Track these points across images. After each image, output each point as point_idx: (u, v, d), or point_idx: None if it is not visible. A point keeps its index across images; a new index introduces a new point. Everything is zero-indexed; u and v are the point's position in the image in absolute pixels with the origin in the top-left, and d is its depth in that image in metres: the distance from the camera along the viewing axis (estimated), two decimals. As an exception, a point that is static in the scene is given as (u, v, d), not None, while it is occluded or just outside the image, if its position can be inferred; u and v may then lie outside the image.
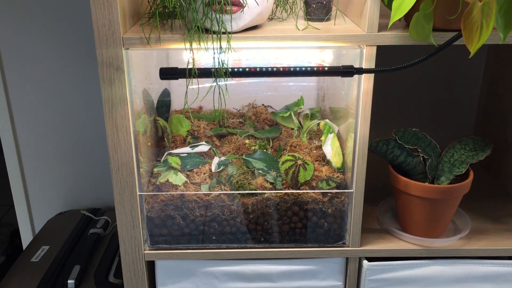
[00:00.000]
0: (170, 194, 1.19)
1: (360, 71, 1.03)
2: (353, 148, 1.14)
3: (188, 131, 1.49)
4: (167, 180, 1.20)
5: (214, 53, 1.00)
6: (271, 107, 1.64)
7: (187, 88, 1.01)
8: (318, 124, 1.41)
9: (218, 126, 1.54)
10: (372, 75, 1.07)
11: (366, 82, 1.08)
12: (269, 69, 1.02)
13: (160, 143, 1.35)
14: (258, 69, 1.02)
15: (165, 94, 1.38)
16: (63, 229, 1.59)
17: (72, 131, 1.76)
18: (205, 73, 1.00)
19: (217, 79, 1.00)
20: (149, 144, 1.28)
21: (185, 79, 1.00)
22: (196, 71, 0.99)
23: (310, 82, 1.52)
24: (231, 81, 1.53)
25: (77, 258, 1.44)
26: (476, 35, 0.91)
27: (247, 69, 1.01)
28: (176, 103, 1.65)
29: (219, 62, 0.99)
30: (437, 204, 1.21)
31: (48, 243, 1.51)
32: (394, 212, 1.36)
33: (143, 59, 1.22)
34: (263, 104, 1.65)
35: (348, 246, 1.19)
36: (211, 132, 1.48)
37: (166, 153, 1.32)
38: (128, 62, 1.06)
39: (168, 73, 1.02)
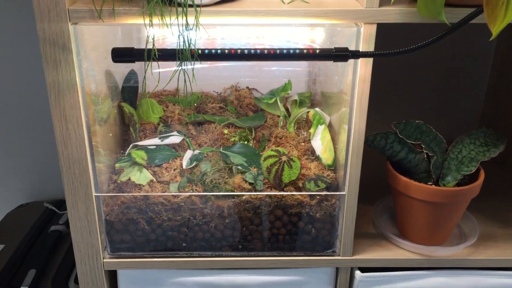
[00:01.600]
0: (132, 195, 1.01)
1: (356, 54, 0.85)
2: (347, 144, 0.97)
3: (160, 118, 1.31)
4: (129, 179, 1.03)
5: (179, 30, 0.81)
6: (256, 90, 1.46)
7: (145, 72, 0.83)
8: (307, 114, 1.24)
9: (196, 112, 1.36)
10: (370, 60, 0.89)
11: (363, 68, 0.90)
12: (247, 51, 0.84)
13: (127, 132, 1.17)
14: (233, 51, 0.84)
15: (131, 76, 1.20)
16: (21, 225, 1.42)
17: (35, 115, 1.57)
18: (168, 55, 0.82)
19: (183, 63, 0.82)
20: (111, 135, 1.11)
21: (146, 63, 0.82)
22: (156, 53, 0.81)
23: (300, 63, 1.33)
24: (210, 63, 1.35)
25: (34, 261, 1.28)
26: (501, 12, 0.73)
27: (219, 51, 0.83)
28: (150, 86, 1.47)
29: (185, 42, 0.81)
30: (442, 208, 1.05)
31: (3, 242, 1.34)
32: (391, 213, 1.20)
33: (102, 36, 1.03)
34: (247, 87, 1.47)
35: (339, 255, 1.04)
36: (186, 119, 1.30)
37: (131, 145, 1.15)
38: (77, 40, 0.88)
39: (123, 55, 0.84)
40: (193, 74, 0.84)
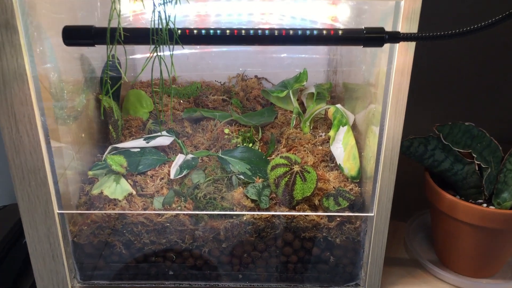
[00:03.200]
0: (104, 213, 0.81)
1: (396, 37, 0.63)
2: (377, 152, 0.75)
3: (150, 112, 1.10)
4: (101, 192, 0.82)
5: (154, 3, 0.60)
6: (266, 79, 1.24)
7: (108, 58, 0.62)
8: (326, 110, 1.01)
9: (194, 105, 1.15)
10: (412, 45, 0.67)
11: (402, 55, 0.68)
12: (246, 32, 0.62)
13: (108, 131, 0.97)
14: (228, 32, 0.62)
15: (111, 63, 0.98)
16: (-6, 234, 1.22)
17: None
18: (138, 36, 0.60)
19: (159, 47, 0.60)
20: (83, 135, 0.90)
21: (111, 47, 0.60)
22: (122, 33, 0.59)
23: (318, 49, 1.11)
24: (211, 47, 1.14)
25: (3, 277, 1.08)
26: None
27: (209, 32, 0.61)
28: (141, 74, 1.25)
29: (161, 19, 0.59)
30: (497, 235, 0.82)
31: (-30, 255, 1.15)
32: (428, 234, 0.98)
33: (68, 10, 0.82)
34: (255, 76, 1.25)
35: (364, 289, 0.81)
36: (182, 114, 1.09)
37: (109, 148, 0.94)
38: (26, 16, 0.67)
39: (77, 36, 0.62)
40: (171, 63, 0.62)
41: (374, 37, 0.63)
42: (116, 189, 0.84)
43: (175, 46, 0.64)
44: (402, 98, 0.71)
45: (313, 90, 1.07)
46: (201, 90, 1.20)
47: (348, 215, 0.82)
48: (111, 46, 0.60)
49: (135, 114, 1.08)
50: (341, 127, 0.90)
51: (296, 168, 0.83)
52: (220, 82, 1.25)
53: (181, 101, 1.16)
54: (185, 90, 1.21)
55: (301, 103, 1.10)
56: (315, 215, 0.82)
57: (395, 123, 0.73)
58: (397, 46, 0.68)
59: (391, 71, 0.70)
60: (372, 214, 0.80)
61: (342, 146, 0.88)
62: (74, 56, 0.86)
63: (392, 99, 0.72)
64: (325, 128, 1.03)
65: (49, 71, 0.76)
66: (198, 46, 1.11)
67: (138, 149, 0.94)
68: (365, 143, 0.86)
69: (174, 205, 0.84)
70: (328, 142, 0.98)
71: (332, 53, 1.18)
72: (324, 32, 0.63)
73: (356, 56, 0.93)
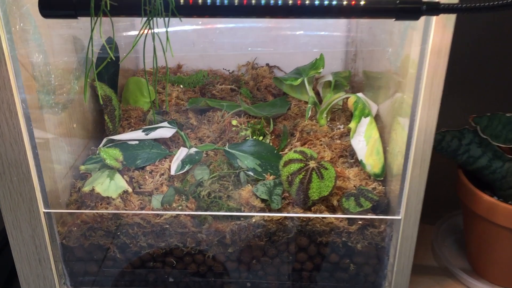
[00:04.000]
0: (95, 212, 0.72)
1: (436, 8, 0.53)
2: (407, 146, 0.66)
3: (152, 102, 1.01)
4: (93, 190, 0.73)
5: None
6: (279, 68, 1.14)
7: (91, 32, 0.52)
8: (345, 100, 0.91)
9: (200, 95, 1.06)
10: (451, 21, 0.57)
11: (439, 32, 0.58)
12: (256, 2, 0.52)
13: (104, 122, 0.87)
14: (234, 2, 0.52)
15: (109, 46, 0.89)
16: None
17: None
18: (127, 7, 0.51)
19: (152, 19, 0.50)
20: (75, 125, 0.81)
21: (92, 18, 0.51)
22: (108, 3, 0.50)
23: (335, 30, 1.01)
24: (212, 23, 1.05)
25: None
26: None
27: (209, 2, 0.51)
28: (140, 59, 1.17)
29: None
30: (542, 242, 0.72)
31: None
32: (458, 238, 0.88)
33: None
34: (267, 64, 1.16)
35: (387, 301, 0.72)
36: (186, 105, 1.00)
37: (104, 140, 0.85)
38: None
39: (55, 6, 0.53)
40: (167, 39, 0.53)
41: (409, 8, 0.53)
42: (110, 185, 0.75)
43: (174, 21, 0.54)
44: (438, 83, 0.61)
45: (329, 78, 0.97)
46: (208, 79, 1.11)
47: (371, 218, 0.72)
48: (95, 18, 0.50)
49: (135, 104, 0.99)
50: (363, 118, 0.80)
51: (312, 164, 0.74)
52: (229, 71, 1.16)
53: (182, 90, 1.07)
54: (190, 78, 1.11)
55: (317, 93, 1.00)
56: (333, 217, 0.73)
57: (429, 112, 0.63)
58: (434, 22, 0.58)
59: (425, 52, 0.60)
60: (399, 217, 0.70)
61: (364, 140, 0.78)
62: (64, 37, 0.77)
63: (425, 85, 0.62)
64: (343, 120, 0.93)
65: (32, 51, 0.67)
66: (202, 24, 1.01)
67: (136, 142, 0.85)
68: (390, 137, 0.76)
69: (174, 205, 0.74)
70: (347, 135, 0.88)
71: (351, 39, 1.08)
72: (350, 2, 0.53)
73: (381, 39, 0.83)
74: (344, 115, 0.95)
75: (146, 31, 0.51)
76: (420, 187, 0.68)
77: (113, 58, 0.54)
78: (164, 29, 0.55)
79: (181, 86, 1.09)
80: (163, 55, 0.52)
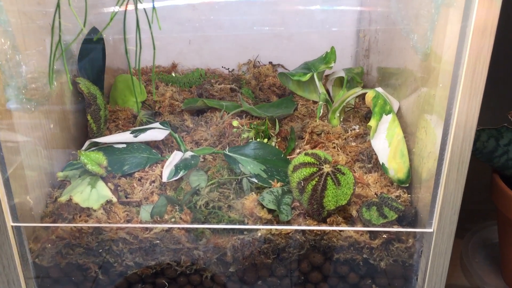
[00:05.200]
0: (74, 226, 0.61)
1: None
2: (441, 146, 0.55)
3: (143, 102, 0.91)
4: (70, 200, 0.62)
5: None
6: (282, 66, 1.04)
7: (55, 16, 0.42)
8: (358, 97, 0.81)
9: (196, 96, 0.95)
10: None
11: (484, 8, 0.48)
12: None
13: (87, 124, 0.77)
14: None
15: (92, 38, 0.79)
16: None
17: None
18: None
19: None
20: (52, 126, 0.70)
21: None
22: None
23: (344, 24, 0.91)
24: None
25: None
26: None
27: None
28: (132, 54, 1.06)
29: None
30: None
31: None
32: (491, 253, 0.78)
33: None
34: (270, 63, 1.06)
35: (415, 327, 0.61)
36: (181, 105, 0.89)
37: (87, 143, 0.74)
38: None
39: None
40: (153, 9, 0.42)
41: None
42: (91, 194, 0.64)
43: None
44: (481, 69, 0.51)
45: (341, 74, 0.87)
46: (205, 78, 1.01)
47: (397, 231, 0.62)
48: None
49: (124, 105, 0.89)
50: (384, 115, 0.69)
51: (327, 168, 0.63)
52: (228, 69, 1.06)
53: (177, 90, 0.97)
54: (186, 77, 1.01)
55: (327, 92, 0.90)
56: (352, 230, 0.62)
57: (469, 104, 0.53)
58: (478, -7, 0.48)
59: (466, 31, 0.50)
60: (431, 230, 0.60)
61: (386, 140, 0.67)
62: (38, 23, 0.66)
63: (466, 71, 0.52)
64: (357, 120, 0.83)
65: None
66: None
67: (124, 145, 0.74)
68: (416, 137, 0.66)
69: (166, 216, 0.64)
70: (363, 137, 0.78)
71: (363, 33, 0.98)
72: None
73: (402, 26, 0.73)
74: (357, 115, 0.85)
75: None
76: (457, 194, 0.58)
77: (83, 27, 0.44)
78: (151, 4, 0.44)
79: (176, 85, 0.99)
80: (149, 29, 0.42)
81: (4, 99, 0.58)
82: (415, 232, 0.62)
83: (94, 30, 0.79)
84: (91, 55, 0.80)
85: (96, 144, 0.74)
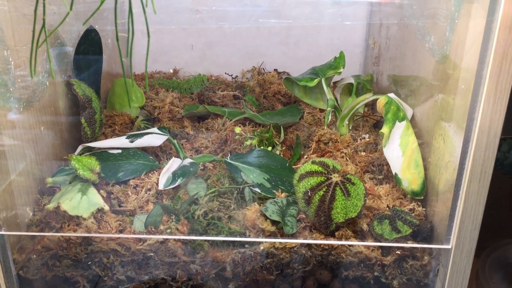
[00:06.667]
0: (61, 236, 0.56)
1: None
2: (462, 154, 0.51)
3: (142, 108, 0.86)
4: (58, 207, 0.58)
5: None
6: (288, 74, 1.00)
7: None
8: (367, 106, 0.77)
9: (198, 102, 0.91)
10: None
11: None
12: None
13: (81, 127, 0.73)
14: None
15: (89, 39, 0.75)
16: None
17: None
18: None
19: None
20: (42, 128, 0.66)
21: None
22: None
23: (353, 31, 0.88)
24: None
25: None
26: None
27: None
28: (133, 59, 1.02)
29: None
30: None
31: None
32: (509, 272, 0.72)
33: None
34: (275, 70, 1.02)
35: None
36: (182, 111, 0.85)
37: (79, 148, 0.70)
38: None
39: None
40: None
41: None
42: (81, 202, 0.60)
43: None
44: (509, 68, 0.47)
45: (350, 81, 0.82)
46: (207, 84, 0.97)
47: (411, 247, 0.57)
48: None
49: (122, 109, 0.85)
50: (397, 122, 0.65)
51: (336, 177, 0.59)
52: (232, 76, 1.02)
53: (178, 96, 0.93)
54: (187, 83, 0.97)
55: (335, 99, 0.86)
56: (363, 245, 0.57)
57: (494, 109, 0.49)
58: (505, -14, 0.44)
59: (492, 26, 0.46)
60: (449, 247, 0.55)
61: (399, 149, 0.63)
62: (28, 18, 0.62)
63: (491, 72, 0.47)
64: (367, 129, 0.79)
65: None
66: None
67: (119, 151, 0.70)
68: (431, 146, 0.61)
69: (161, 227, 0.59)
70: (373, 146, 0.73)
71: (372, 40, 0.94)
72: None
73: (417, 29, 0.69)
74: (366, 124, 0.81)
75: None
76: (478, 207, 0.53)
77: (69, 11, 0.39)
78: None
79: (177, 91, 0.94)
80: (143, 13, 0.38)
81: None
82: (431, 248, 0.57)
83: (91, 31, 0.75)
84: (87, 56, 0.76)
85: (90, 149, 0.70)
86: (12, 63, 0.58)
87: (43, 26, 0.38)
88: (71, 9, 0.40)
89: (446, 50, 0.57)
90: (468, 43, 0.51)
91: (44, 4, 0.37)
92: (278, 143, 0.76)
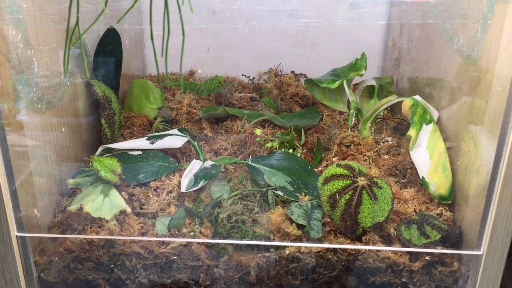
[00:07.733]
0: (83, 238, 0.55)
1: None
2: (496, 158, 0.50)
3: (159, 109, 0.86)
4: (81, 209, 0.57)
5: None
6: (305, 76, 0.99)
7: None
8: (387, 109, 0.76)
9: (215, 104, 0.90)
10: None
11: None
12: None
13: (101, 128, 0.72)
14: None
15: (109, 39, 0.74)
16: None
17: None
18: None
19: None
20: (64, 129, 0.65)
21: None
22: None
23: (371, 33, 0.87)
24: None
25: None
26: None
27: None
28: (149, 60, 1.02)
29: None
30: None
31: None
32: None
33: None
34: (292, 72, 1.01)
35: None
36: (200, 113, 0.84)
37: (100, 149, 0.69)
38: None
39: None
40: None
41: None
42: (103, 204, 0.59)
43: None
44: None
45: (371, 83, 0.81)
46: (225, 86, 0.96)
47: (440, 253, 0.55)
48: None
49: (140, 111, 0.84)
50: (424, 125, 0.63)
51: (362, 181, 0.57)
52: (249, 77, 1.01)
53: (195, 98, 0.92)
54: (205, 85, 0.96)
55: (356, 101, 0.84)
56: (391, 250, 0.56)
57: (530, 111, 0.47)
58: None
59: (530, 27, 0.45)
60: (480, 253, 0.54)
61: (427, 152, 0.61)
62: (52, 18, 0.62)
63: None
64: (389, 131, 0.77)
65: (9, 27, 0.52)
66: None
67: (139, 152, 0.69)
68: (460, 149, 0.60)
69: (184, 230, 0.58)
70: (396, 149, 0.72)
71: (392, 42, 0.93)
72: None
73: (444, 30, 0.68)
74: (388, 126, 0.79)
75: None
76: (511, 213, 0.51)
77: (104, 8, 0.38)
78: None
79: (194, 93, 0.94)
80: (178, 12, 0.37)
81: (12, 95, 0.53)
82: (460, 254, 0.56)
83: (111, 32, 0.75)
84: (107, 56, 0.75)
85: (110, 150, 0.69)
86: (36, 62, 0.58)
87: (77, 23, 0.37)
88: (105, 6, 0.39)
89: (477, 51, 0.56)
90: (503, 43, 0.50)
91: (78, 2, 0.36)
92: (298, 145, 0.75)
